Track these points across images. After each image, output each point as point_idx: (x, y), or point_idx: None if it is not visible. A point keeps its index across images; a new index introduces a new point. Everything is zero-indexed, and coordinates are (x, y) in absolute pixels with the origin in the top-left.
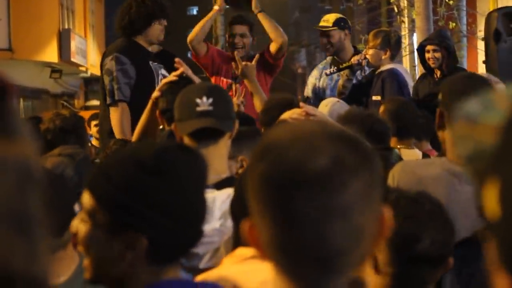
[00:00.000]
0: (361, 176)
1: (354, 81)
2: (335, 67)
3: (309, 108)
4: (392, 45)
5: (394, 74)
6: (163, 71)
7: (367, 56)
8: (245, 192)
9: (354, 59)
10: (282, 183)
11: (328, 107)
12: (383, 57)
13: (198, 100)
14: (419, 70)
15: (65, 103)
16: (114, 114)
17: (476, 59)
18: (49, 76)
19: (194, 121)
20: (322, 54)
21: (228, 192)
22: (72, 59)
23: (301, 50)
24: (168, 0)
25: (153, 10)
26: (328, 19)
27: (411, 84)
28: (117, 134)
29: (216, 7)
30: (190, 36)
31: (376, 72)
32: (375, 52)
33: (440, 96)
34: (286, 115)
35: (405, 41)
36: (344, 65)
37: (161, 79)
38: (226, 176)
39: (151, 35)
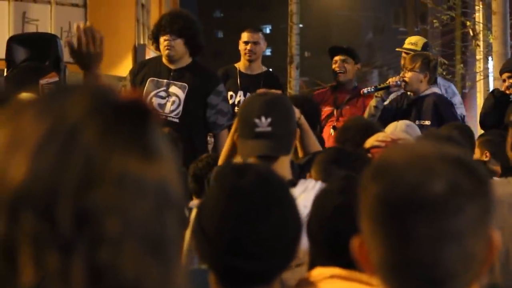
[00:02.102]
0: (477, 201)
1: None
2: (374, 86)
3: (395, 134)
4: (431, 68)
5: (446, 99)
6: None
7: (405, 79)
8: (321, 212)
9: (393, 80)
10: (398, 205)
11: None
12: (422, 80)
13: (256, 120)
14: None
15: None
16: None
17: None
18: None
19: (253, 142)
20: (394, 75)
21: None
22: None
23: (374, 71)
24: (240, 19)
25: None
26: (417, 43)
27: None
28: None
29: None
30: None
31: (421, 95)
32: (415, 75)
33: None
34: (371, 140)
35: (480, 66)
36: (382, 85)
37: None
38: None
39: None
